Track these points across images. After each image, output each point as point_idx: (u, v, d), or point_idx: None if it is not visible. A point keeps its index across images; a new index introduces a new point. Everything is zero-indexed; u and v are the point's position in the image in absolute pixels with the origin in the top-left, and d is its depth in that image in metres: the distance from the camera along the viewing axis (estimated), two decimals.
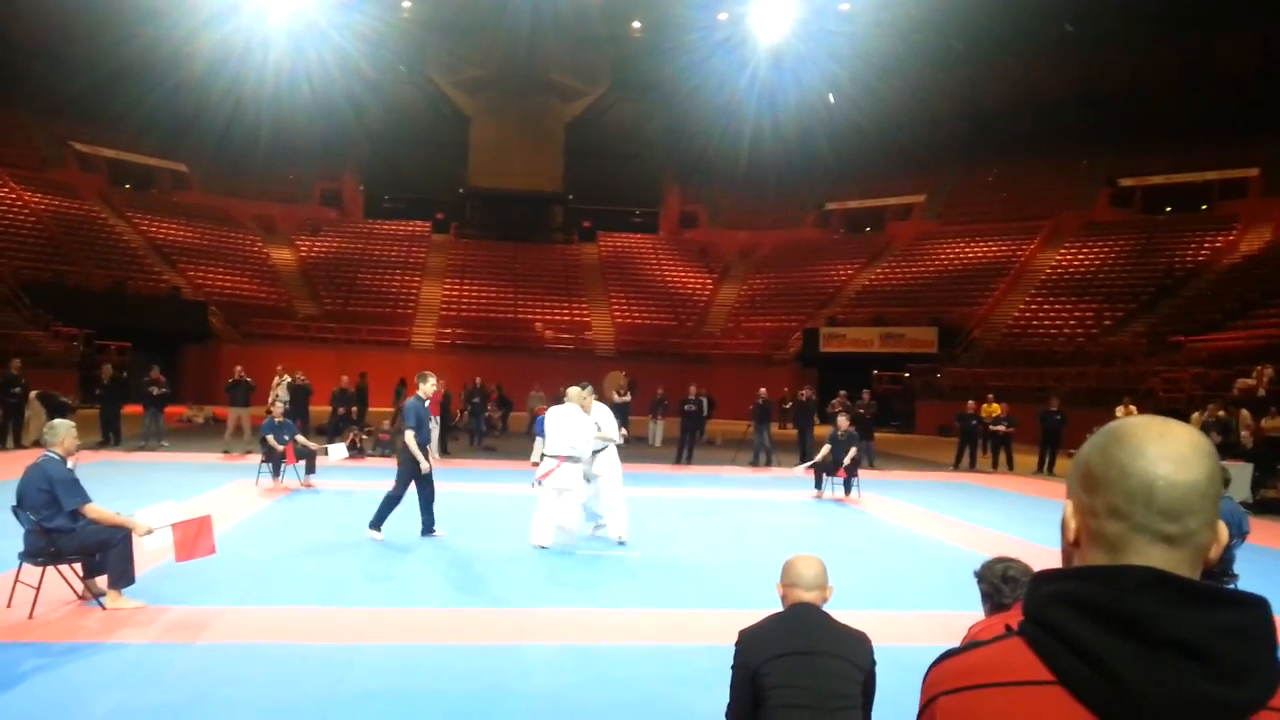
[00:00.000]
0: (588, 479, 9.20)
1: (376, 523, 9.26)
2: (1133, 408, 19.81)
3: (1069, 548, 1.17)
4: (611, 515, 9.36)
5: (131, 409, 18.01)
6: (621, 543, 9.18)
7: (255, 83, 38.82)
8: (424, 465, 9.13)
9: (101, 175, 40.53)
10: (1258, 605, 1.04)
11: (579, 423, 8.98)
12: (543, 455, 9.27)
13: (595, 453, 9.31)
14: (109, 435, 17.03)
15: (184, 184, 43.51)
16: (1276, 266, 29.55)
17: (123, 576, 6.28)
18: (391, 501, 9.24)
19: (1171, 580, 1.03)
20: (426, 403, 9.52)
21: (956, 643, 3.38)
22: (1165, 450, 1.08)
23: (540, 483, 8.93)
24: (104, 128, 39.89)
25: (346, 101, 42.16)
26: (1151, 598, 1.02)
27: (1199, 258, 33.56)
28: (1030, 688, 1.05)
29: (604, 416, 9.55)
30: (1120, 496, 1.08)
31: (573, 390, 9.30)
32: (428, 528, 9.44)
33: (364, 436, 17.75)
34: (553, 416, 9.11)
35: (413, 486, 9.31)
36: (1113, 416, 19.22)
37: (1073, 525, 1.15)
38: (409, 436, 9.16)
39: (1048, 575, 1.12)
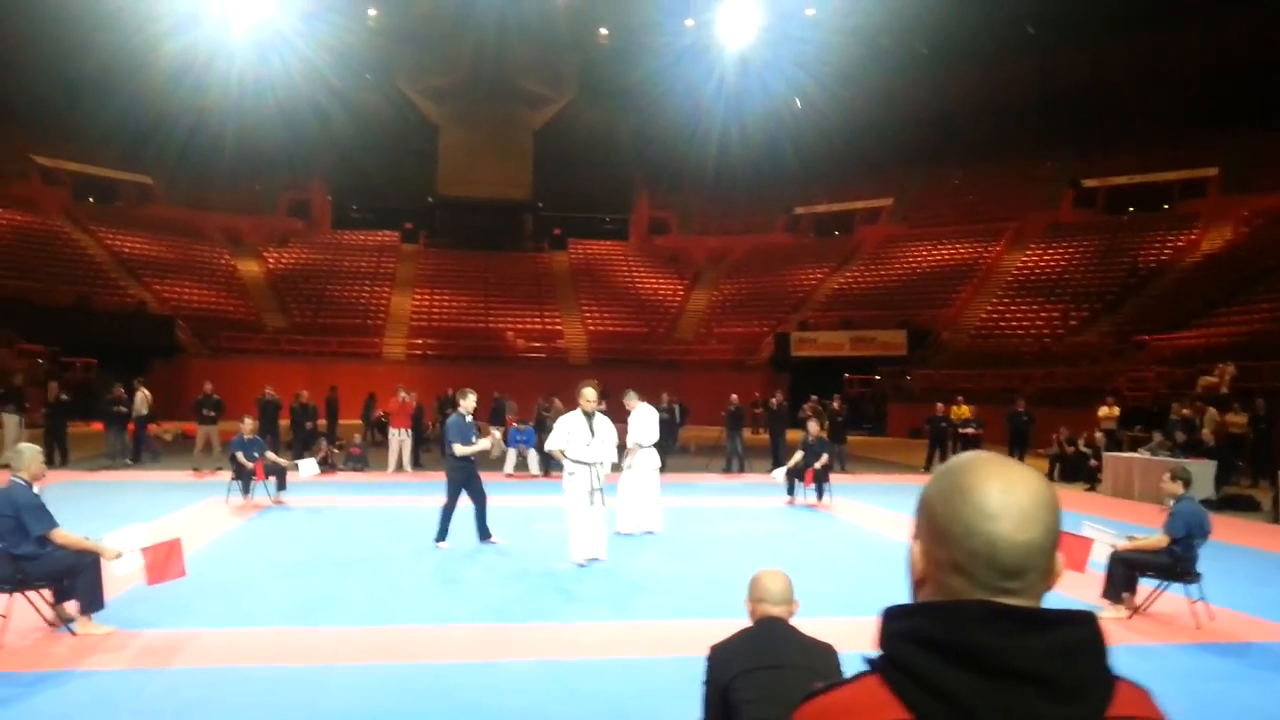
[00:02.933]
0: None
1: (440, 535, 9.68)
2: (1116, 409, 20.09)
3: (915, 586, 1.22)
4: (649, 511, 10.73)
5: (100, 426, 17.85)
6: (650, 533, 10.56)
7: (219, 93, 38.35)
8: (487, 445, 10.44)
9: (65, 189, 40.08)
10: (1084, 622, 1.10)
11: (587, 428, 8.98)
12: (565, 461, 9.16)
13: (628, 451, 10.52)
14: (53, 455, 16.53)
15: (149, 197, 43.08)
16: (1237, 265, 30.10)
17: (92, 602, 6.23)
18: (447, 513, 9.69)
19: (1005, 612, 1.09)
20: (468, 418, 9.89)
21: None
22: (1007, 506, 1.11)
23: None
24: (65, 140, 39.39)
25: (312, 111, 41.80)
26: (989, 630, 1.07)
27: (1162, 257, 34.09)
28: None
29: (643, 420, 10.69)
30: (963, 554, 1.12)
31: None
32: (483, 535, 9.82)
33: (335, 451, 17.65)
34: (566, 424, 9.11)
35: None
36: (1083, 415, 19.39)
37: (920, 567, 1.20)
38: (457, 449, 9.61)
39: (894, 612, 1.16)
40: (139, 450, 17.79)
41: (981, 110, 42.69)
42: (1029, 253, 37.82)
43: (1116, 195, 39.92)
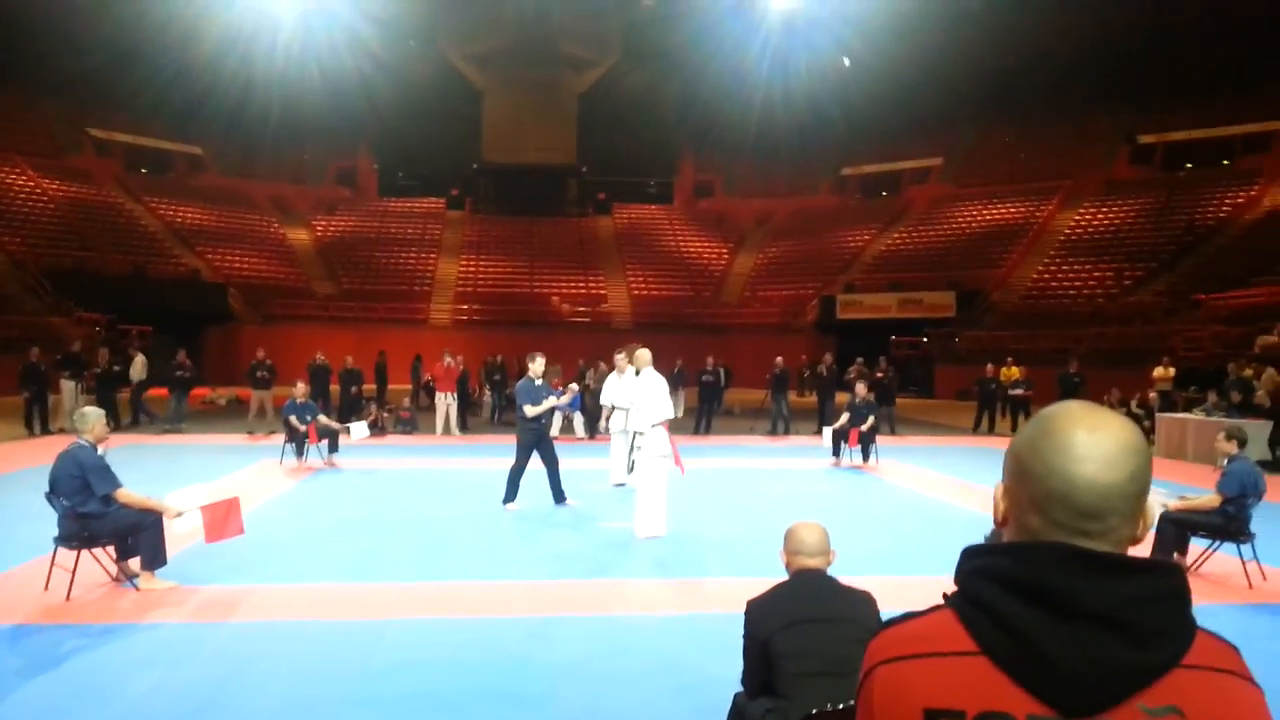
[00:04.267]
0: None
1: (509, 497, 9.78)
2: (1171, 369, 19.75)
3: (998, 527, 1.24)
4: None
5: (156, 392, 18.27)
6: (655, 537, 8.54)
7: (265, 63, 38.75)
8: (554, 402, 9.98)
9: (117, 160, 40.81)
10: (1171, 573, 1.11)
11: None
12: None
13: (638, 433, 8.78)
14: (109, 420, 16.91)
15: (200, 167, 43.72)
16: None
17: (155, 558, 6.45)
18: (515, 474, 9.77)
19: (1086, 555, 1.09)
20: (537, 381, 9.86)
21: None
22: (1091, 450, 1.12)
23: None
24: (116, 111, 39.96)
25: (357, 80, 42.06)
26: (1067, 572, 1.08)
27: (1221, 214, 33.24)
28: (957, 658, 1.12)
29: (640, 389, 8.94)
30: (1041, 493, 1.14)
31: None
32: (558, 498, 9.92)
33: (385, 414, 17.93)
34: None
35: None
36: (1136, 377, 19.05)
37: (1001, 507, 1.22)
38: (528, 410, 9.61)
39: (975, 550, 1.18)
40: (136, 414, 17.70)
41: (1035, 65, 41.58)
42: (1082, 211, 37.05)
43: (1174, 151, 38.90)
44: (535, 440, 9.70)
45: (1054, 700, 1.06)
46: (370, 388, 21.01)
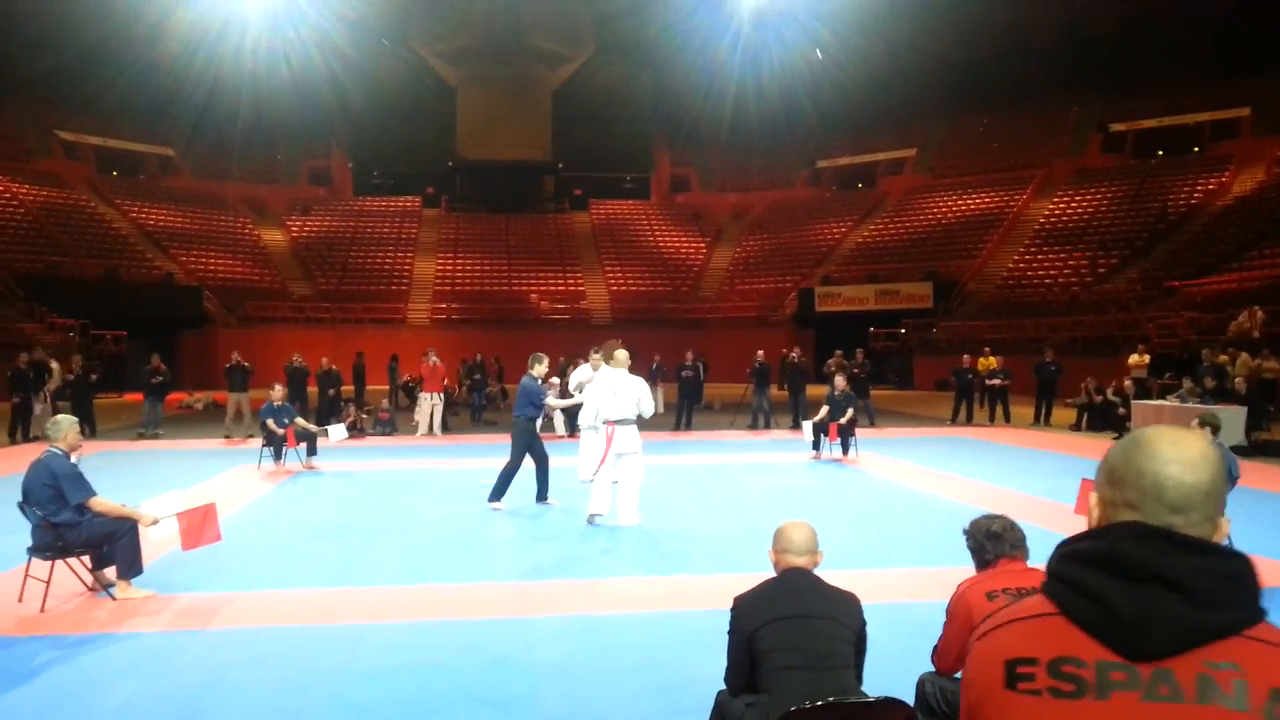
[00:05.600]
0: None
1: (496, 495, 9.72)
2: (1146, 357, 19.95)
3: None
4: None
5: (132, 397, 18.07)
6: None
7: (233, 62, 38.35)
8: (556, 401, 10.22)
9: (88, 163, 40.37)
10: (1240, 559, 1.24)
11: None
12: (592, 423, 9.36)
13: (618, 423, 8.94)
14: (84, 427, 16.61)
15: (171, 168, 43.32)
16: (1269, 207, 29.55)
17: (131, 567, 6.37)
18: (509, 473, 9.72)
19: (1161, 532, 1.24)
20: (539, 381, 9.91)
21: (947, 598, 3.50)
22: (1176, 455, 1.28)
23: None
24: (84, 112, 39.43)
25: (328, 79, 41.73)
26: (1139, 545, 1.23)
27: (1192, 201, 33.52)
28: (1037, 619, 1.30)
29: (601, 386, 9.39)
30: (1134, 492, 1.29)
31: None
32: (541, 495, 9.94)
33: (364, 416, 17.82)
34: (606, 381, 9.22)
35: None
36: (1112, 364, 19.20)
37: (1096, 514, 1.37)
38: (549, 401, 9.80)
39: (1063, 542, 1.34)
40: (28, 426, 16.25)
41: (1006, 55, 41.90)
42: (1056, 200, 37.31)
43: (1145, 138, 39.22)
44: (531, 440, 9.76)
45: (1121, 647, 1.21)
46: (349, 389, 20.89)
